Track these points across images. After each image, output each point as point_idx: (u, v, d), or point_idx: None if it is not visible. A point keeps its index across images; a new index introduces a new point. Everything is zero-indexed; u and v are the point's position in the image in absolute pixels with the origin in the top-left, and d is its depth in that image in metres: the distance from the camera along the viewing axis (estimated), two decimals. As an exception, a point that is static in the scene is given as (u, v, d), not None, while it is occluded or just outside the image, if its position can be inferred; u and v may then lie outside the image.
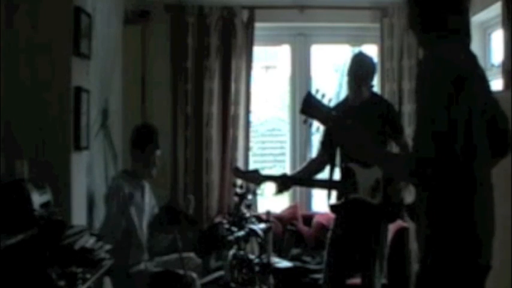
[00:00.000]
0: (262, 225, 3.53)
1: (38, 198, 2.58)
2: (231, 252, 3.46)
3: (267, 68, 6.76)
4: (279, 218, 4.78)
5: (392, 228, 3.94)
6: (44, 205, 2.63)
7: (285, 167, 5.52)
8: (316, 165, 3.68)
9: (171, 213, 3.56)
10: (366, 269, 3.45)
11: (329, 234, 3.59)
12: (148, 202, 3.82)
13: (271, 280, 3.65)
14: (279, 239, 4.61)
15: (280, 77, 6.01)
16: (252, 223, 3.52)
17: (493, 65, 4.38)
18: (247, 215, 3.55)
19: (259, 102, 5.89)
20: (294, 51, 5.33)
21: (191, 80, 4.96)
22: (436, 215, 1.86)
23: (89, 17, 3.40)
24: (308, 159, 4.40)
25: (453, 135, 1.79)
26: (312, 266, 4.42)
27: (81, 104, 3.27)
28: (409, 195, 2.37)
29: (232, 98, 4.99)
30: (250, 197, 3.65)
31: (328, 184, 3.52)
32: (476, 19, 4.25)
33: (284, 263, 4.02)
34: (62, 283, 2.45)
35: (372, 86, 3.61)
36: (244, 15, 4.98)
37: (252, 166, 5.06)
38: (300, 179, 3.71)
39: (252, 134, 5.30)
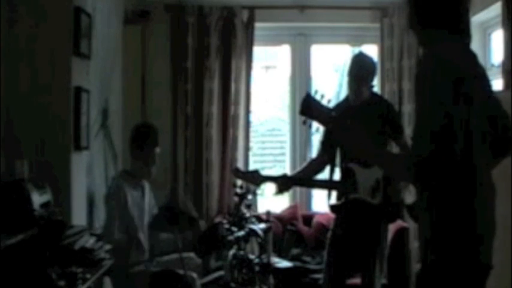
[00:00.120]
0: (262, 225, 3.52)
1: (38, 198, 2.58)
2: (231, 252, 3.46)
3: (267, 68, 6.76)
4: (279, 218, 4.78)
5: (392, 228, 3.94)
6: (44, 205, 2.63)
7: (285, 167, 5.52)
8: (316, 165, 3.68)
9: (171, 213, 3.56)
10: (366, 269, 3.44)
11: (329, 234, 3.59)
12: (148, 202, 3.83)
13: (271, 280, 3.65)
14: (279, 239, 4.61)
15: (280, 77, 6.00)
16: (252, 223, 3.51)
17: (493, 65, 4.38)
18: (247, 215, 3.54)
19: (259, 102, 5.89)
20: (294, 51, 5.33)
21: (191, 80, 4.96)
22: (436, 214, 1.86)
23: (89, 17, 3.40)
24: (308, 159, 4.40)
25: (452, 135, 1.79)
26: (312, 266, 4.42)
27: (81, 104, 3.27)
28: (409, 195, 2.36)
29: (232, 98, 4.99)
30: (250, 197, 3.65)
31: (328, 184, 3.53)
32: (476, 19, 4.25)
33: (284, 263, 4.01)
34: (62, 283, 2.46)
35: (372, 86, 3.61)
36: (244, 15, 4.98)
37: (252, 166, 5.06)
38: (300, 179, 3.71)
39: (252, 134, 5.30)
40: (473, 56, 1.98)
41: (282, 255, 4.39)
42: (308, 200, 5.32)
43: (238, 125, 5.00)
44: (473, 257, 1.84)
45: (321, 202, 4.68)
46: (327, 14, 5.06)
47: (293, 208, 5.04)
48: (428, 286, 1.89)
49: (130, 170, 3.82)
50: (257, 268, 3.46)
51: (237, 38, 4.97)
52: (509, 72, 3.73)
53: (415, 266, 4.34)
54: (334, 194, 3.49)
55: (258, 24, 4.99)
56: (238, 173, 3.74)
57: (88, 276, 2.64)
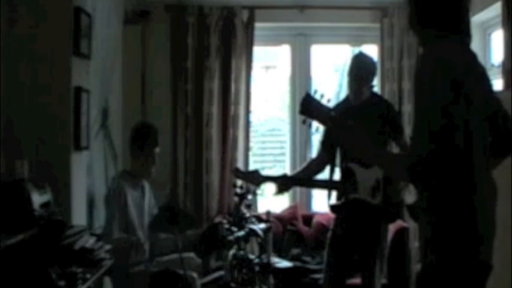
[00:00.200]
0: (262, 225, 3.53)
1: (38, 198, 2.59)
2: (231, 252, 3.46)
3: (267, 68, 6.75)
4: (279, 218, 4.78)
5: (392, 228, 3.94)
6: (44, 205, 2.63)
7: (285, 167, 5.51)
8: (316, 165, 3.68)
9: (171, 213, 3.56)
10: (366, 269, 3.45)
11: (329, 234, 3.59)
12: (148, 202, 3.83)
13: (271, 280, 3.65)
14: (279, 239, 4.61)
15: (280, 77, 6.00)
16: (252, 223, 3.51)
17: (493, 65, 4.38)
18: (247, 215, 3.54)
19: (259, 102, 5.88)
20: (294, 51, 5.33)
21: (191, 80, 4.96)
22: (436, 214, 1.86)
23: (89, 17, 3.40)
24: (308, 159, 4.40)
25: (452, 134, 1.79)
26: (312, 266, 4.42)
27: (81, 104, 3.27)
28: (409, 195, 2.36)
29: (232, 98, 4.99)
30: (250, 197, 3.65)
31: (328, 184, 3.52)
32: (476, 19, 4.24)
33: (284, 263, 4.01)
34: (62, 283, 2.46)
35: (372, 86, 3.61)
36: (244, 15, 4.98)
37: (252, 166, 5.06)
38: (300, 179, 3.71)
39: (252, 134, 5.30)
40: (473, 56, 1.98)
41: (282, 255, 4.39)
42: (308, 200, 5.32)
43: (238, 125, 5.00)
44: (474, 257, 1.84)
45: (321, 202, 4.68)
46: (326, 14, 5.06)
47: (293, 208, 5.04)
48: (428, 286, 1.89)
49: (131, 170, 3.83)
50: (257, 268, 3.46)
51: (237, 38, 4.97)
52: (509, 72, 3.73)
53: (415, 266, 4.34)
54: (334, 194, 3.49)
55: (258, 24, 4.99)
56: (238, 173, 3.74)
57: (88, 276, 2.64)
